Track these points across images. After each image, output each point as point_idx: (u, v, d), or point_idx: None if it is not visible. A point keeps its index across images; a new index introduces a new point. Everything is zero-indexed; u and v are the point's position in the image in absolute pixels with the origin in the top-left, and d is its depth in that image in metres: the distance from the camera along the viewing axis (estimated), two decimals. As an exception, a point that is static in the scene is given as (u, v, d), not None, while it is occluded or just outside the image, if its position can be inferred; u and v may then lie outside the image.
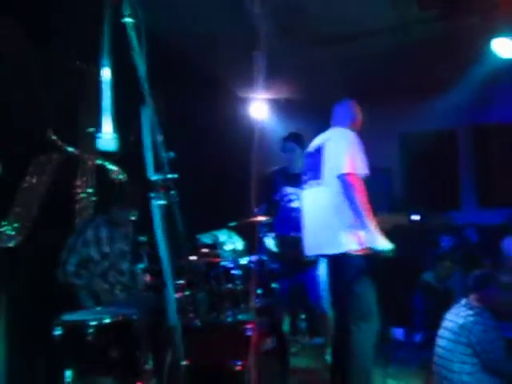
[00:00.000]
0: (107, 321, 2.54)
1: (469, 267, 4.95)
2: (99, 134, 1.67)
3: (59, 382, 2.47)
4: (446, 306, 3.39)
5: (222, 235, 4.30)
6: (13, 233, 3.27)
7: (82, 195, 3.89)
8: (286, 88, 6.20)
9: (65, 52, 3.55)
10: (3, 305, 3.13)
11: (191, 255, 3.29)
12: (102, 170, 3.84)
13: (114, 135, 1.68)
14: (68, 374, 2.48)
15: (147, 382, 2.56)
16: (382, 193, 5.88)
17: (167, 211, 1.71)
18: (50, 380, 2.88)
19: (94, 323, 2.50)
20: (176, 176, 1.67)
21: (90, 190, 3.92)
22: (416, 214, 5.76)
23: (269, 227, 4.09)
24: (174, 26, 4.63)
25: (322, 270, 3.65)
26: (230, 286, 3.08)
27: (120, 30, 1.60)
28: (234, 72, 5.52)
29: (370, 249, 2.93)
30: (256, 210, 3.95)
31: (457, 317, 3.25)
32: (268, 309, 3.16)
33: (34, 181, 3.41)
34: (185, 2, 4.26)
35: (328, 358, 4.16)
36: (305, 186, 3.38)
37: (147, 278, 3.50)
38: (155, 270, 3.25)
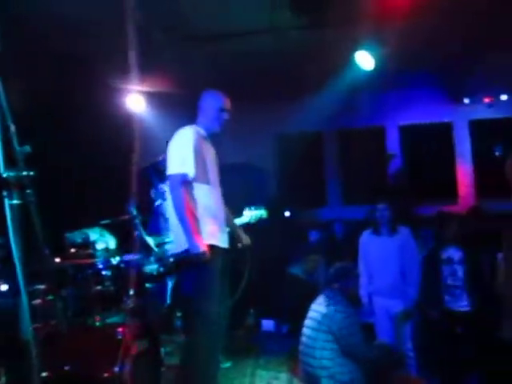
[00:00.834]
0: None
1: (332, 260, 5.39)
2: None
3: None
4: (313, 297, 3.62)
5: (94, 233, 4.08)
6: None
7: None
8: (164, 82, 6.10)
9: None
10: None
11: (57, 257, 3.07)
12: None
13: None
14: None
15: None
16: (257, 190, 6.08)
17: (24, 211, 1.57)
18: None
19: None
20: (32, 173, 1.53)
21: None
22: (288, 210, 6.09)
23: (144, 225, 3.99)
24: (42, 11, 4.27)
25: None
26: (99, 287, 2.95)
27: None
28: (109, 63, 5.27)
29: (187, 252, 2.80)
30: (130, 207, 3.82)
31: (320, 306, 3.49)
32: (141, 309, 3.09)
33: None
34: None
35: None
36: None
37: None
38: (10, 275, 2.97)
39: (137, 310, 2.96)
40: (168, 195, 3.03)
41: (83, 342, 2.73)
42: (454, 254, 3.94)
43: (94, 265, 3.02)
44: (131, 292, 2.97)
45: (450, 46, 5.50)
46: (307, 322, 3.52)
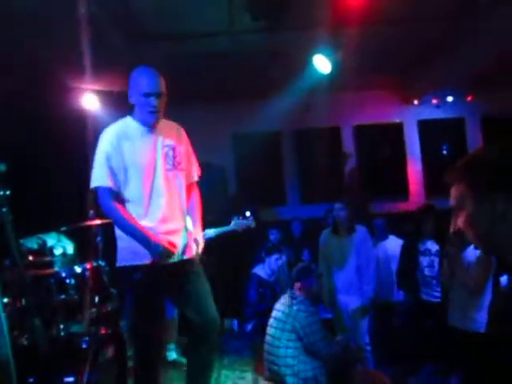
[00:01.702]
0: None
1: (292, 259, 5.51)
2: None
3: None
4: (276, 296, 3.71)
5: (51, 239, 3.98)
6: None
7: None
8: (119, 81, 5.99)
9: None
10: None
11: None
12: None
13: None
14: None
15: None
16: (217, 190, 6.11)
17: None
18: None
19: None
20: (8, 192, 1.50)
21: None
22: (248, 210, 6.14)
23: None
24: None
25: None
26: (63, 296, 2.90)
27: None
28: (62, 61, 5.12)
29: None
30: (91, 212, 3.76)
31: (283, 306, 3.59)
32: (107, 316, 3.06)
33: None
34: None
35: (170, 355, 4.23)
36: None
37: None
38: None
39: (104, 317, 2.94)
40: None
41: (48, 353, 2.68)
42: (431, 246, 4.12)
43: (57, 273, 2.95)
44: (97, 299, 2.94)
45: (402, 51, 5.74)
46: (271, 321, 3.61)
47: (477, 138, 7.55)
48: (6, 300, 2.36)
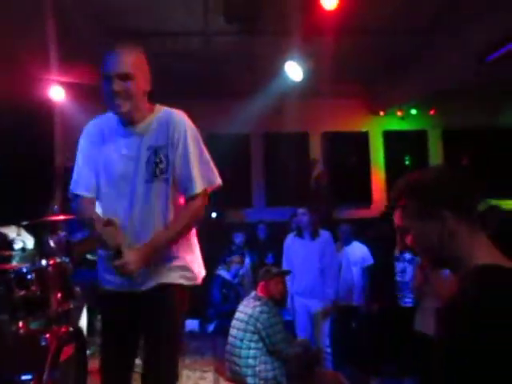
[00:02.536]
0: None
1: (256, 261, 5.57)
2: None
3: None
4: (239, 298, 3.74)
5: (11, 232, 3.88)
6: None
7: None
8: (89, 74, 5.90)
9: None
10: None
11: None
12: None
13: None
14: None
15: None
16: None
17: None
18: None
19: None
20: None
21: None
22: (214, 211, 6.16)
23: (68, 227, 3.87)
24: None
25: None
26: (23, 292, 2.83)
27: None
28: (29, 51, 5.00)
29: None
30: (55, 207, 3.70)
31: (246, 308, 3.62)
32: (68, 314, 3.01)
33: None
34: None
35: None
36: None
37: None
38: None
39: (65, 314, 2.89)
40: None
41: (4, 350, 2.62)
42: (405, 253, 4.20)
43: (17, 269, 2.88)
44: (58, 296, 2.89)
45: (371, 62, 5.92)
46: (234, 322, 3.64)
47: (438, 149, 7.88)
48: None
